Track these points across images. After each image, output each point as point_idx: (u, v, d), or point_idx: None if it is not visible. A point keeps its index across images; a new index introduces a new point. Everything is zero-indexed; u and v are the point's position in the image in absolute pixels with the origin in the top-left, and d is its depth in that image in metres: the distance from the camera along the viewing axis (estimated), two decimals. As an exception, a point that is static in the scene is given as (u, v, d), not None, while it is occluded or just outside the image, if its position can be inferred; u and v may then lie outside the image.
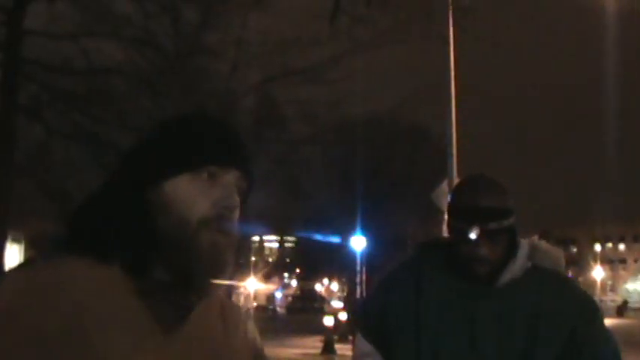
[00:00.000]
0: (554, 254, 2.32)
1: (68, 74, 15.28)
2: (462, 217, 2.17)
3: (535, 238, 2.35)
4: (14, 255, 28.14)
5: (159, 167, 1.32)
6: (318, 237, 36.74)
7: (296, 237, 55.99)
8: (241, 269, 55.67)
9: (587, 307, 2.24)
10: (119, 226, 1.29)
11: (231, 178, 1.34)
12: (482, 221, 2.12)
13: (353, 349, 2.73)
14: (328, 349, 26.97)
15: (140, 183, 1.32)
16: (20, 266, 1.29)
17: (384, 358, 2.37)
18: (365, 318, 2.50)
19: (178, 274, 1.29)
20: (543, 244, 2.32)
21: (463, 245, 2.16)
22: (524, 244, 2.25)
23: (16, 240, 27.10)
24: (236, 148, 1.38)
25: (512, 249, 2.21)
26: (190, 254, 1.27)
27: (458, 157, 15.81)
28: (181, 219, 1.28)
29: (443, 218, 18.15)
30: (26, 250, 28.34)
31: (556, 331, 2.16)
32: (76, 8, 14.87)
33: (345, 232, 33.26)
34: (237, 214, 1.33)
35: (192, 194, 1.30)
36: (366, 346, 2.44)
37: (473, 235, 2.12)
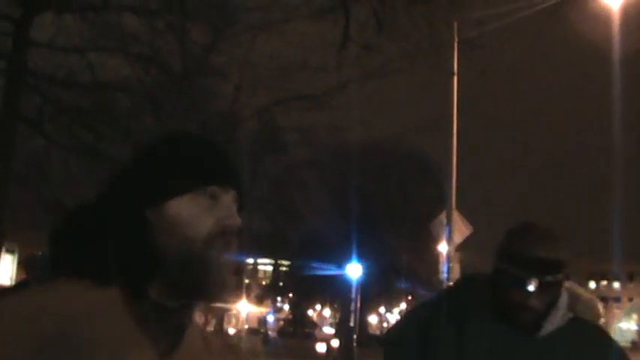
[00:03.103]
0: (593, 304, 2.34)
1: (72, 88, 15.28)
2: (520, 265, 2.15)
3: (573, 283, 2.35)
4: (7, 265, 28.01)
5: (161, 187, 1.30)
6: (316, 264, 36.60)
7: (291, 261, 55.83)
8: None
9: None
10: (119, 247, 1.26)
11: (230, 198, 1.33)
12: (541, 273, 2.13)
13: None
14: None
15: (140, 203, 1.29)
16: (10, 290, 1.26)
17: None
18: (401, 351, 2.45)
19: (179, 295, 1.27)
20: (582, 294, 2.33)
21: (516, 293, 2.16)
22: (564, 293, 2.25)
23: (9, 250, 26.99)
24: (233, 168, 1.38)
25: (557, 299, 2.23)
26: (198, 275, 1.25)
27: (457, 189, 15.83)
28: (187, 238, 1.26)
29: (437, 248, 18.15)
30: (19, 262, 28.19)
31: None
32: (83, 22, 14.91)
33: (340, 258, 33.19)
34: (239, 234, 1.32)
35: (195, 214, 1.28)
36: None
37: (531, 288, 2.12)
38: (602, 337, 2.30)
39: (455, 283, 2.49)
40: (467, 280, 2.44)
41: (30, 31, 14.34)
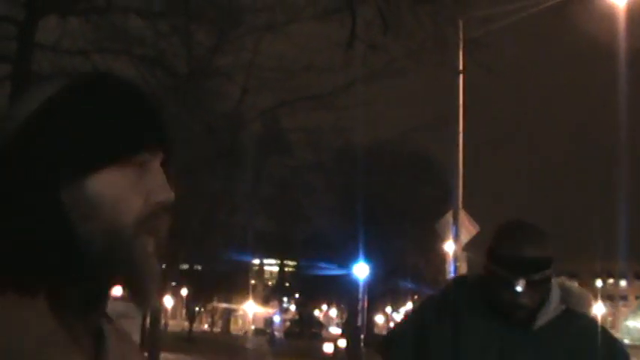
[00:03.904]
0: (586, 297, 2.41)
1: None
2: (507, 267, 2.19)
3: (564, 279, 2.41)
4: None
5: (78, 161, 1.00)
6: (322, 265, 36.63)
7: (297, 261, 55.88)
8: (240, 291, 55.50)
9: (620, 352, 2.35)
10: (33, 242, 0.98)
11: (159, 163, 1.06)
12: (528, 273, 2.17)
13: None
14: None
15: (52, 183, 0.99)
16: None
17: None
18: (398, 353, 2.48)
19: (101, 293, 1.05)
20: (574, 287, 2.40)
21: (506, 293, 2.20)
22: (555, 286, 2.31)
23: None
24: (162, 122, 1.08)
25: (547, 294, 2.28)
26: (124, 267, 1.01)
27: (463, 188, 15.81)
28: (113, 224, 0.99)
29: (443, 248, 18.15)
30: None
31: None
32: (88, 24, 14.93)
33: (347, 258, 33.19)
34: (170, 209, 1.05)
35: (122, 191, 1.01)
36: None
37: (519, 288, 2.16)
38: (595, 328, 2.36)
39: (447, 285, 2.53)
40: (458, 280, 2.50)
41: (35, 33, 14.35)
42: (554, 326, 2.26)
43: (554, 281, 2.32)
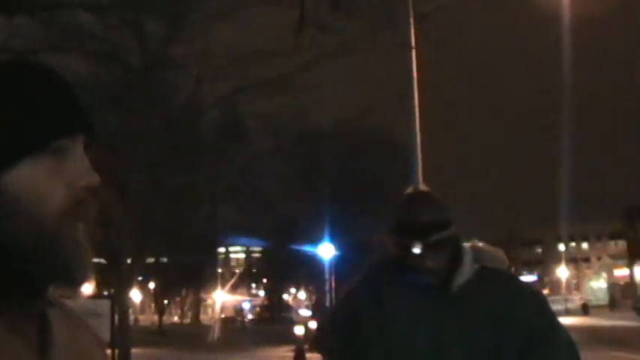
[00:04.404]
0: (499, 255, 2.49)
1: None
2: (404, 232, 2.30)
3: (475, 241, 2.51)
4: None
5: None
6: (289, 248, 36.69)
7: (262, 247, 55.85)
8: (208, 281, 55.35)
9: (539, 302, 2.43)
10: None
11: (81, 146, 1.03)
12: (423, 235, 2.26)
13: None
14: (299, 358, 26.95)
15: None
16: None
17: None
18: (331, 340, 2.57)
19: (35, 285, 1.02)
20: (486, 247, 2.49)
21: (410, 259, 2.29)
22: (467, 249, 2.40)
23: None
24: (81, 106, 1.05)
25: (458, 256, 2.35)
26: (53, 258, 0.99)
27: (423, 163, 15.92)
28: (38, 217, 0.97)
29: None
30: None
31: (516, 327, 2.30)
32: (36, 23, 14.71)
33: (313, 240, 33.27)
34: (97, 192, 1.03)
35: (41, 182, 0.98)
36: None
37: (417, 250, 2.25)
38: (512, 279, 2.48)
39: (369, 268, 2.60)
40: (379, 261, 2.57)
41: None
42: (471, 285, 2.34)
43: (466, 245, 2.42)
